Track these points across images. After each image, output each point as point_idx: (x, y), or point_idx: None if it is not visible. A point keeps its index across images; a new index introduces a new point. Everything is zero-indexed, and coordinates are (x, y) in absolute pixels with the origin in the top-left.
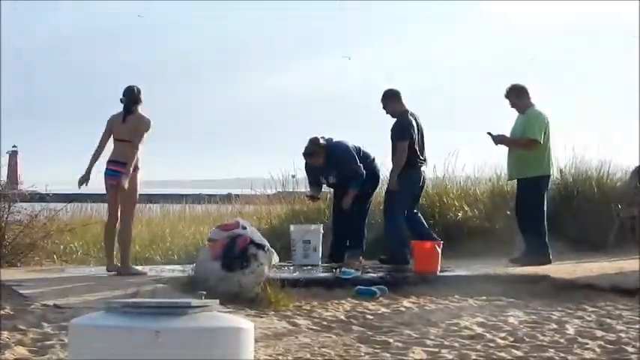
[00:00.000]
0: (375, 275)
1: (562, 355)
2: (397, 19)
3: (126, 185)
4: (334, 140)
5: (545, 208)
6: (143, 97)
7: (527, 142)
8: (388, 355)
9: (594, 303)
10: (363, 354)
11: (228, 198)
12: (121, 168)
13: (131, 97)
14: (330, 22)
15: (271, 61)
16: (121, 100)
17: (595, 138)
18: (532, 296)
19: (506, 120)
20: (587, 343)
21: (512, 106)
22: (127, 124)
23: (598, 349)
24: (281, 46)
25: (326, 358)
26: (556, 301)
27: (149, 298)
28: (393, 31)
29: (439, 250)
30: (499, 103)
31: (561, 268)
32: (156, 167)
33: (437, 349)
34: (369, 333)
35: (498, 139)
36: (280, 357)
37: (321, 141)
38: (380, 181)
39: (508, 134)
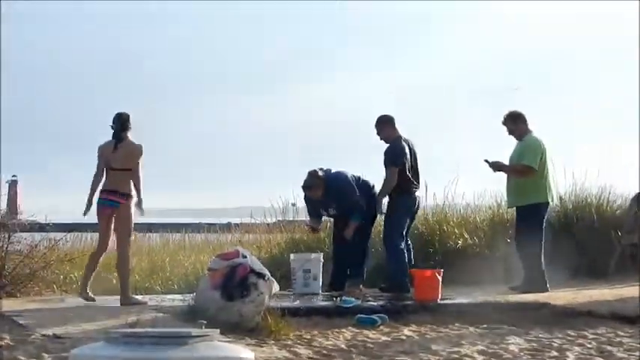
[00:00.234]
0: (375, 304)
1: None
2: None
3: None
4: (333, 171)
5: (542, 236)
6: (132, 123)
7: (522, 168)
8: None
9: (595, 330)
10: None
11: (227, 227)
12: (116, 197)
13: (121, 124)
14: (329, 44)
15: (270, 86)
16: (112, 127)
17: (595, 164)
18: (532, 323)
19: (508, 146)
20: None
21: (510, 133)
22: (119, 152)
23: None
24: (279, 70)
25: None
26: (556, 329)
27: (149, 327)
28: (382, 56)
29: (439, 278)
30: (500, 129)
31: (562, 295)
32: (155, 196)
33: None
34: None
35: (496, 167)
36: None
37: (320, 173)
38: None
39: (507, 161)
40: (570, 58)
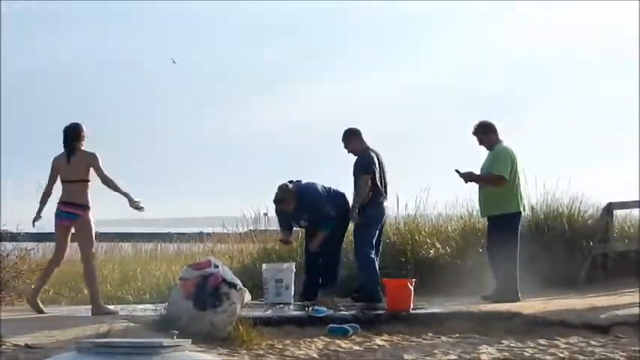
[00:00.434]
0: (347, 313)
1: None
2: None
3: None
4: (303, 183)
5: (517, 246)
6: (86, 132)
7: (493, 178)
8: None
9: (567, 339)
10: None
11: (199, 236)
12: (72, 209)
13: (71, 136)
14: (297, 54)
15: (240, 95)
16: (63, 140)
17: (566, 174)
18: (504, 333)
19: (480, 156)
20: None
21: (481, 143)
22: (72, 165)
23: None
24: (250, 79)
25: None
26: (528, 338)
27: (121, 337)
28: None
29: (411, 288)
30: (471, 139)
31: (533, 305)
32: (127, 205)
33: None
34: None
35: (467, 177)
36: None
37: (290, 186)
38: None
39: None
40: (564, 62)
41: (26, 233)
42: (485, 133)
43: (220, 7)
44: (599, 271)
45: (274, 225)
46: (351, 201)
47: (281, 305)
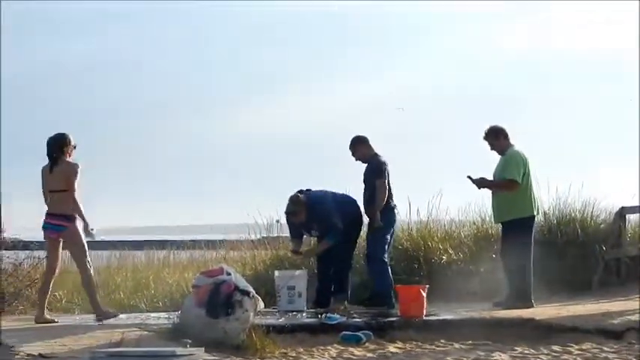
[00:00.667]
0: (360, 320)
1: None
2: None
3: (77, 237)
4: (314, 192)
5: (531, 251)
6: (74, 143)
7: (505, 183)
8: None
9: (580, 345)
10: None
11: (212, 244)
12: (59, 221)
13: (53, 147)
14: (318, 58)
15: (258, 102)
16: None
17: (579, 178)
18: (518, 339)
19: (491, 160)
20: None
21: (492, 148)
22: (55, 175)
23: None
24: (263, 88)
25: None
26: (542, 344)
27: (134, 346)
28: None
29: (424, 294)
30: (482, 143)
31: (546, 311)
32: (140, 213)
33: None
34: None
35: (479, 183)
36: None
37: (301, 197)
38: (363, 225)
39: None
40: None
41: (38, 242)
42: (497, 137)
43: (222, 9)
44: (613, 276)
45: (286, 232)
46: (362, 207)
47: (294, 313)
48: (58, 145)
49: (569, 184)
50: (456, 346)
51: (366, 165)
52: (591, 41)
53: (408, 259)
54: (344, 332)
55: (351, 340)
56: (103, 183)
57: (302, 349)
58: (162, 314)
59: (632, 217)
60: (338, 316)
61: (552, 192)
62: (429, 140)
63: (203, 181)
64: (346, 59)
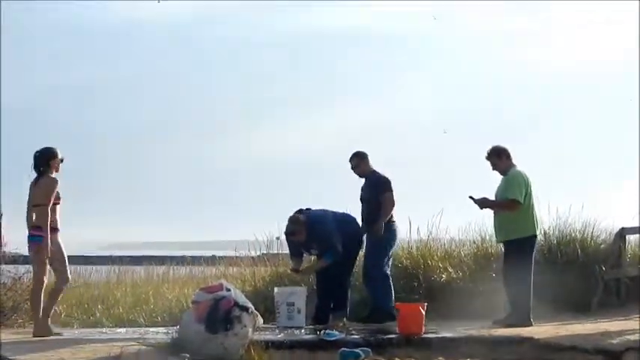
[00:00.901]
0: (359, 337)
1: None
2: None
3: (46, 252)
4: (313, 212)
5: (532, 270)
6: (59, 156)
7: (508, 203)
8: None
9: None
10: None
11: (212, 260)
12: (40, 232)
13: (40, 160)
14: (318, 79)
15: (256, 120)
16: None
17: (579, 199)
18: (516, 358)
19: (493, 180)
20: None
21: (494, 168)
22: (37, 188)
23: None
24: (266, 105)
25: None
26: None
27: None
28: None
29: (423, 312)
30: (484, 163)
31: (545, 330)
32: (139, 229)
33: None
34: None
35: (481, 203)
36: None
37: (301, 217)
38: (363, 243)
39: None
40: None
41: None
42: (499, 157)
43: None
44: (612, 296)
45: (286, 249)
46: (361, 224)
47: (293, 329)
48: (45, 159)
49: (569, 204)
50: None
51: (364, 181)
52: (591, 52)
53: (408, 277)
54: (343, 349)
55: (350, 356)
56: (107, 199)
57: None
58: (161, 329)
59: (632, 238)
60: (337, 332)
61: (553, 212)
62: (428, 162)
63: (203, 199)
64: (347, 82)
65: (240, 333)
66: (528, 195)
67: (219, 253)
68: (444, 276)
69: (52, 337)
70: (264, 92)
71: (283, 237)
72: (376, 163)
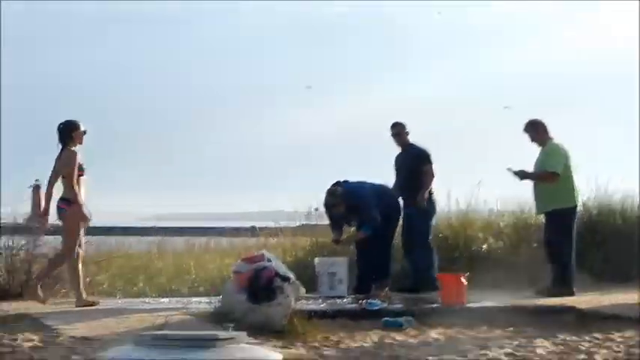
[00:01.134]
0: (401, 306)
1: None
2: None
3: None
4: (352, 183)
5: (573, 241)
6: (82, 129)
7: (546, 175)
8: None
9: (622, 333)
10: None
11: (252, 231)
12: (61, 204)
13: (63, 133)
14: (360, 55)
15: (295, 94)
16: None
17: (619, 169)
18: (559, 327)
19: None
20: None
21: (532, 141)
22: (59, 161)
23: None
24: (305, 79)
25: None
26: (584, 332)
27: (178, 330)
28: (408, 65)
29: (465, 283)
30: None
31: (588, 299)
32: (181, 200)
33: None
34: None
35: (520, 175)
36: None
37: (339, 190)
38: (401, 213)
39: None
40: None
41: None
42: (536, 130)
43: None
44: None
45: (325, 220)
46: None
47: (335, 298)
48: (68, 131)
49: (608, 175)
50: (498, 332)
51: (400, 152)
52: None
53: (448, 248)
54: (385, 318)
55: (393, 325)
56: (149, 171)
57: (344, 334)
58: (204, 299)
59: None
60: (379, 302)
61: (592, 183)
62: (468, 135)
63: (244, 171)
64: (394, 60)
65: (283, 303)
66: (567, 167)
67: (259, 224)
68: (484, 246)
69: (94, 308)
70: (312, 67)
71: (322, 208)
72: (415, 135)
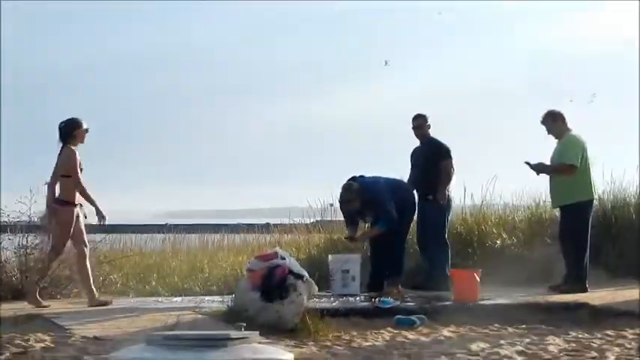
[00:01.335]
0: (413, 304)
1: None
2: (434, 41)
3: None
4: (367, 178)
5: (588, 235)
6: (84, 127)
7: (564, 167)
8: None
9: (634, 330)
10: None
11: (266, 228)
12: (56, 204)
13: (64, 131)
14: (370, 46)
15: (308, 88)
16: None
17: (634, 162)
18: (572, 324)
19: (548, 147)
20: None
21: (549, 133)
22: (59, 159)
23: None
24: (318, 73)
25: None
26: (596, 329)
27: (189, 329)
28: (430, 54)
29: (478, 279)
30: (539, 128)
31: (601, 296)
32: (195, 197)
33: None
34: None
35: (537, 168)
36: None
37: (354, 185)
38: (416, 209)
39: (548, 161)
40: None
41: (93, 225)
42: (554, 121)
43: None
44: None
45: (340, 216)
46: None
47: (348, 296)
48: (69, 130)
49: (624, 168)
50: (510, 330)
51: (419, 146)
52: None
53: (462, 244)
54: (398, 316)
55: (405, 323)
56: (163, 169)
57: (356, 333)
58: (217, 297)
59: None
60: (391, 300)
61: (607, 176)
62: (483, 129)
63: (256, 167)
64: (406, 52)
65: (296, 301)
66: (585, 159)
67: (273, 221)
68: (498, 242)
69: (107, 307)
70: (324, 60)
71: (337, 204)
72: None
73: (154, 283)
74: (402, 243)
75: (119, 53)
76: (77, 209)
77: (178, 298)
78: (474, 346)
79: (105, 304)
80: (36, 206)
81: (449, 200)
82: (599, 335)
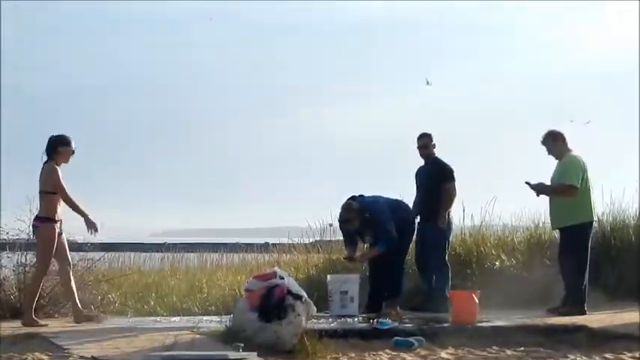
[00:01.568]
0: (412, 326)
1: None
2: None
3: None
4: (367, 197)
5: (588, 257)
6: (71, 147)
7: (564, 188)
8: None
9: (633, 354)
10: None
11: (265, 247)
12: (36, 221)
13: (49, 146)
14: (373, 65)
15: (308, 107)
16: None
17: (633, 183)
18: (570, 346)
19: (548, 167)
20: None
21: (550, 153)
22: (41, 174)
23: None
24: (319, 90)
25: None
26: (594, 352)
27: (187, 349)
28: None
29: (477, 300)
30: (539, 149)
31: (599, 318)
32: (193, 216)
33: None
34: None
35: (538, 189)
36: None
37: (354, 204)
38: (415, 228)
39: (548, 182)
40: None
41: (92, 243)
42: (555, 141)
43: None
44: None
45: (339, 235)
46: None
47: (346, 317)
48: (54, 145)
49: (623, 188)
50: (508, 352)
51: (422, 166)
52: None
53: (461, 265)
54: (396, 337)
55: (403, 345)
56: (161, 188)
57: (354, 354)
58: (215, 317)
59: None
60: (390, 321)
61: (607, 197)
62: (482, 149)
63: (256, 186)
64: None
65: (294, 322)
66: (585, 180)
67: (272, 240)
68: (497, 263)
69: (105, 326)
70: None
71: (336, 224)
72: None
73: (152, 303)
74: (401, 264)
75: (127, 72)
76: (58, 225)
77: (177, 318)
78: None
79: (92, 319)
80: None
81: (449, 222)
82: (597, 358)
